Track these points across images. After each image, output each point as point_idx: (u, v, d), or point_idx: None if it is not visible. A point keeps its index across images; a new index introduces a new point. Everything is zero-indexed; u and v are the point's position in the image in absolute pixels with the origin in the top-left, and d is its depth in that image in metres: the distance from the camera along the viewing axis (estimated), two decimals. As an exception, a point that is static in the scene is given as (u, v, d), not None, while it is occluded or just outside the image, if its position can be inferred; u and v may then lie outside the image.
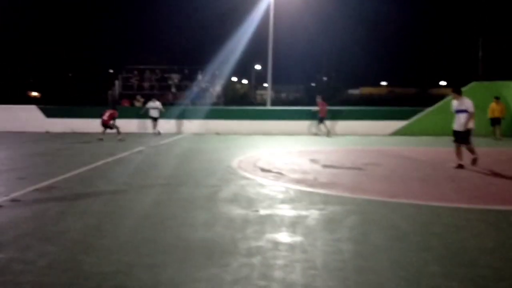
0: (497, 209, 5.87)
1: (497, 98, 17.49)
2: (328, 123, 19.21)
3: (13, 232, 4.83)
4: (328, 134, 18.85)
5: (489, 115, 17.53)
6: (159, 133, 19.06)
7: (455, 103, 9.58)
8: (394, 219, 5.38)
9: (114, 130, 16.56)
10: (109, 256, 4.06)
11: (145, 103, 21.50)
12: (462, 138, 9.37)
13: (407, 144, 15.58)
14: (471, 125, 9.34)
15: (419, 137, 17.89)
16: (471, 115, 9.24)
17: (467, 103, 9.32)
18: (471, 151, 9.45)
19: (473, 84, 19.55)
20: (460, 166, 9.30)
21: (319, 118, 19.07)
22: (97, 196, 6.72)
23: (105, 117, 16.51)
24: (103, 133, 16.53)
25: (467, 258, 4.04)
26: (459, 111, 9.42)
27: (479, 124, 18.71)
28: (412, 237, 4.65)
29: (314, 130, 19.37)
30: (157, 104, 19.45)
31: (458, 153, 9.50)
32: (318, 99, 19.47)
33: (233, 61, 31.36)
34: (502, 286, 3.47)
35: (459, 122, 9.39)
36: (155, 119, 19.33)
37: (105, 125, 16.54)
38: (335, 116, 20.41)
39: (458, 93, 9.61)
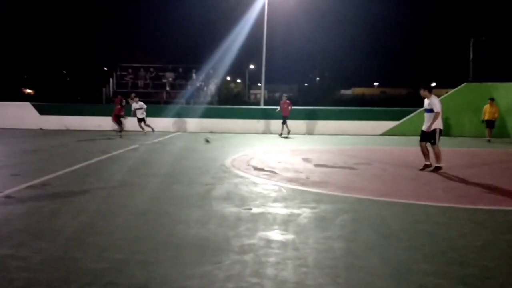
0: (485, 209, 5.95)
1: (491, 100, 17.13)
2: (289, 122, 18.63)
3: (7, 228, 4.83)
4: (288, 133, 18.48)
5: (483, 116, 17.18)
6: (146, 133, 18.14)
7: (425, 102, 9.16)
8: (384, 217, 5.44)
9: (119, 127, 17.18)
10: (102, 253, 4.08)
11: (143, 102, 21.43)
12: (428, 138, 9.02)
13: (398, 144, 15.70)
14: (438, 125, 8.96)
15: (410, 137, 17.97)
16: (436, 115, 8.83)
17: (434, 102, 8.90)
18: (437, 156, 9.02)
19: (464, 85, 19.71)
20: (426, 166, 9.05)
21: (283, 117, 18.56)
22: (91, 193, 6.73)
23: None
24: (119, 128, 17.05)
25: (456, 256, 4.10)
26: (427, 110, 9.04)
27: (469, 125, 19.06)
28: (402, 235, 4.71)
29: (281, 131, 18.83)
30: (141, 104, 18.42)
31: (424, 153, 9.14)
32: (283, 98, 19.12)
33: (228, 61, 31.45)
34: (489, 284, 3.52)
35: (426, 122, 9.06)
36: (140, 120, 18.41)
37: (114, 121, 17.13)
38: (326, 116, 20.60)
39: (428, 90, 9.12)
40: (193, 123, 20.62)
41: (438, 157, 9.06)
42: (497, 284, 3.54)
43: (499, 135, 17.93)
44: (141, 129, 18.35)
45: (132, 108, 18.51)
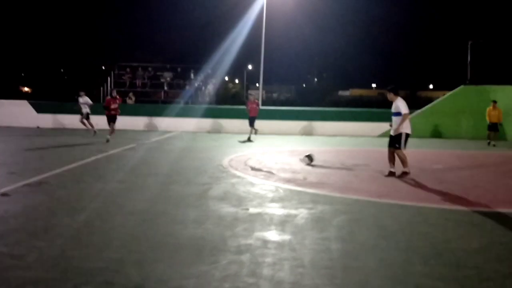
0: (483, 211, 5.96)
1: (494, 102, 16.62)
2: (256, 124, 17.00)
3: (2, 227, 4.82)
4: (250, 136, 16.64)
5: (487, 119, 16.56)
6: (95, 133, 16.33)
7: (393, 105, 8.72)
8: (381, 218, 5.44)
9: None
10: (99, 252, 4.07)
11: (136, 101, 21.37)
12: (394, 142, 8.64)
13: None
14: (405, 129, 8.58)
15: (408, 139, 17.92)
16: (404, 117, 8.45)
17: (400, 105, 8.51)
18: (403, 160, 8.58)
19: (461, 87, 19.74)
20: (391, 174, 8.56)
21: (249, 118, 16.81)
22: (87, 192, 6.71)
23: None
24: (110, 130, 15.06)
25: (452, 258, 4.11)
26: (394, 114, 8.65)
27: (467, 127, 19.06)
28: (399, 237, 4.71)
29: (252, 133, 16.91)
30: (86, 99, 16.85)
31: (390, 159, 8.73)
32: (251, 98, 17.69)
33: (226, 61, 31.43)
34: (486, 286, 3.52)
35: (393, 126, 8.67)
36: (86, 116, 16.82)
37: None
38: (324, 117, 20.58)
39: (394, 93, 8.74)
40: (191, 123, 20.58)
41: (403, 161, 8.60)
42: (493, 286, 3.54)
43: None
44: (86, 126, 16.90)
45: (79, 102, 16.95)
